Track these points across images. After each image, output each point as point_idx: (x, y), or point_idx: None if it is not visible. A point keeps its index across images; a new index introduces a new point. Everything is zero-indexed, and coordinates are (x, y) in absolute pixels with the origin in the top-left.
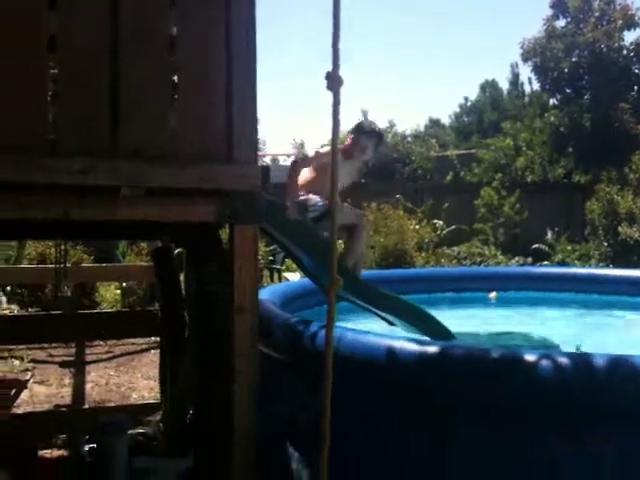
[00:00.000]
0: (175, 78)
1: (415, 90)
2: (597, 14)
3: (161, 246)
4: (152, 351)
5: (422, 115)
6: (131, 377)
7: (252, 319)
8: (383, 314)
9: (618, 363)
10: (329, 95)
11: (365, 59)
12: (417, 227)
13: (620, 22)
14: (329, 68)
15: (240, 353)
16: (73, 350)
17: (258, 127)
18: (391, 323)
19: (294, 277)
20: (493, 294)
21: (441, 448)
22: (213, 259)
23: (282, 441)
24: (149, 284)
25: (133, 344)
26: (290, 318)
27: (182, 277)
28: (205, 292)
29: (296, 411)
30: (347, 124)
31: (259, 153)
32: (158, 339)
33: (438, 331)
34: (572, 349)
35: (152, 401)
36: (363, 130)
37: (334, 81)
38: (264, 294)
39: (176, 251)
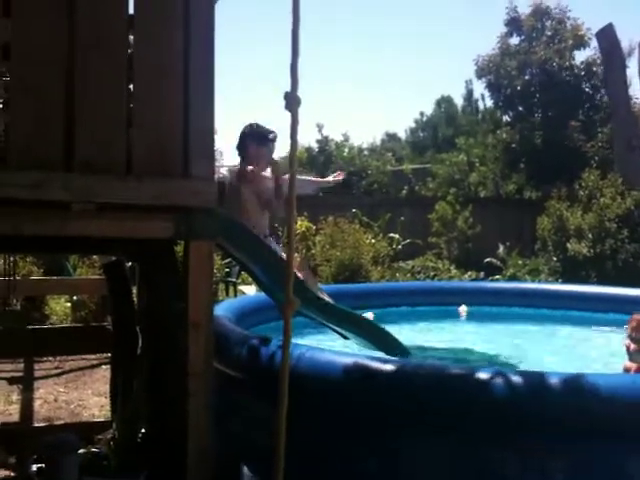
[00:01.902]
0: (131, 87)
1: (372, 104)
2: (549, 33)
3: (113, 260)
4: (103, 367)
5: (379, 129)
6: (81, 394)
7: (207, 336)
8: (338, 329)
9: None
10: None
11: (321, 72)
12: (373, 241)
13: (571, 42)
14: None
15: (194, 372)
16: (21, 366)
17: (215, 137)
18: (345, 337)
19: (250, 290)
20: (463, 309)
21: (397, 460)
22: (167, 274)
23: (236, 461)
24: (101, 297)
25: (84, 359)
26: (246, 335)
27: (135, 291)
28: (159, 308)
29: (251, 430)
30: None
31: (216, 164)
32: (109, 354)
33: (393, 347)
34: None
35: (103, 419)
36: (248, 138)
37: (292, 101)
38: (220, 309)
39: (129, 264)
